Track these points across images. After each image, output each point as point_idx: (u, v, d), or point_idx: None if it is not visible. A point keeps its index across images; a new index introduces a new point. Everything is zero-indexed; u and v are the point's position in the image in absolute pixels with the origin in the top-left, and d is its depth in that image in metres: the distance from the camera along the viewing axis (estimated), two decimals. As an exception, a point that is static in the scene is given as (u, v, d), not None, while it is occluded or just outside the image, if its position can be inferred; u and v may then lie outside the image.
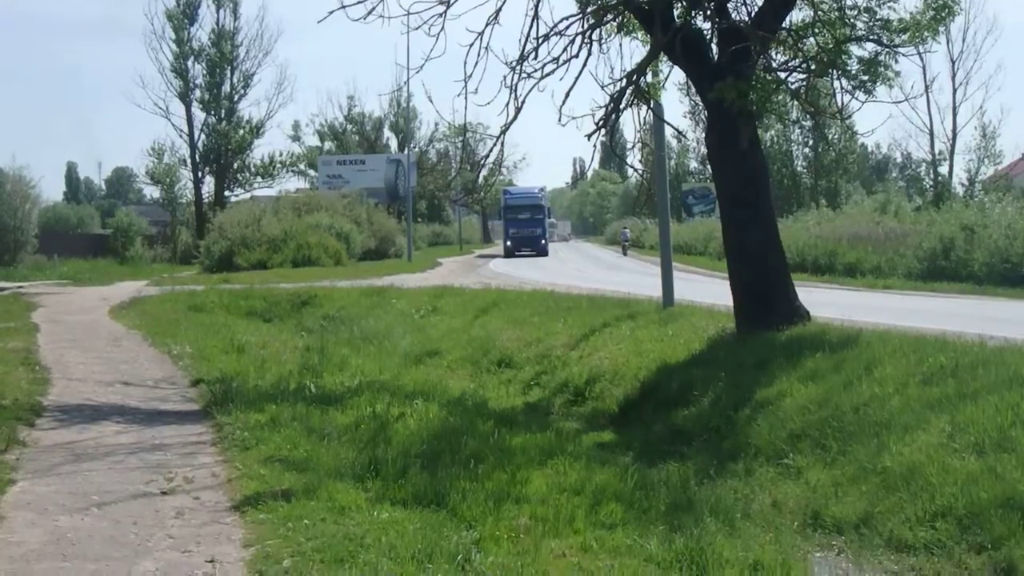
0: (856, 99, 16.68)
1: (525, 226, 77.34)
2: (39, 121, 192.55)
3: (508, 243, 78.32)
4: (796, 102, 18.06)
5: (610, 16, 17.44)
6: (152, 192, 77.57)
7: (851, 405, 12.31)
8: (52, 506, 8.69)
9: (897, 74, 16.18)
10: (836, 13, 16.21)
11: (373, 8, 16.10)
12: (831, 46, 16.06)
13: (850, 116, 21.02)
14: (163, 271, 52.90)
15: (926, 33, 15.98)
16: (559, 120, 16.53)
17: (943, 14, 15.94)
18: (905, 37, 15.95)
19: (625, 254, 76.55)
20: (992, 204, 40.71)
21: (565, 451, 11.48)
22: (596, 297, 25.50)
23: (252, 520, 8.19)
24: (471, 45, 16.08)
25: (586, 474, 10.36)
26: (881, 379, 12.79)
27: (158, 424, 12.53)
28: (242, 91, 70.37)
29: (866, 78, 15.98)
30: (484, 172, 27.69)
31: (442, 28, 16.12)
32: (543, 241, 79.34)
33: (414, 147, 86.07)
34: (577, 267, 56.81)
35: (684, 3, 16.77)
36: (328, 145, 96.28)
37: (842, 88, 16.76)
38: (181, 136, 69.47)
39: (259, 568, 7.02)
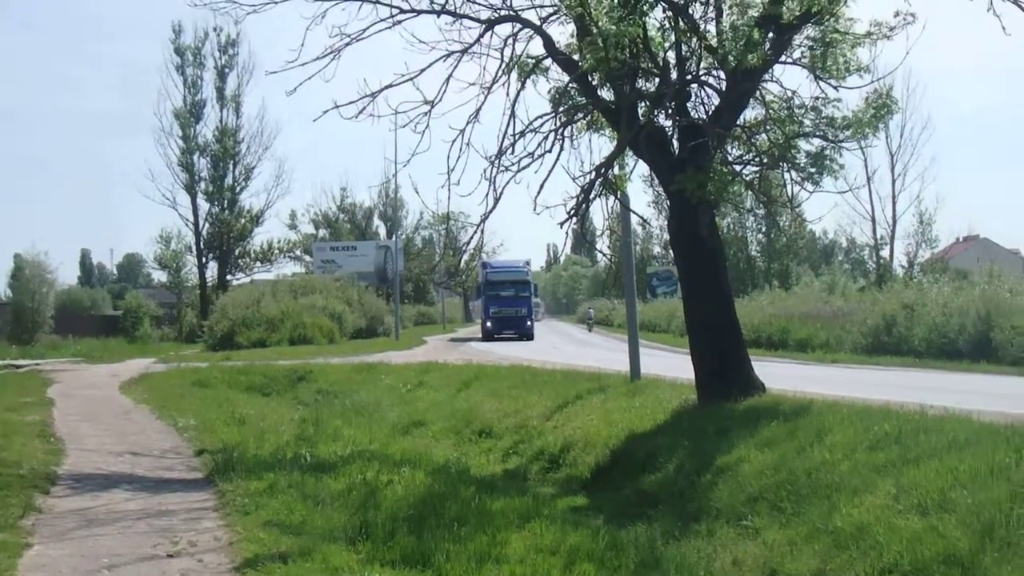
0: (805, 189, 16.86)
1: (508, 304, 63.62)
2: (57, 210, 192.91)
3: (488, 324, 63.83)
4: (750, 192, 18.17)
5: (580, 115, 17.62)
6: (160, 276, 77.30)
7: (804, 469, 12.29)
8: (66, 568, 8.60)
9: (841, 167, 16.37)
10: (786, 111, 16.40)
11: (364, 108, 16.19)
12: (781, 141, 16.21)
13: (799, 205, 21.30)
14: (169, 349, 52.65)
15: (867, 129, 16.13)
16: (534, 209, 16.57)
17: (882, 112, 16.13)
18: (848, 133, 16.10)
19: (590, 331, 76.88)
20: (930, 284, 41.05)
21: (541, 514, 11.42)
22: (569, 371, 25.52)
23: (252, 581, 8.11)
24: (454, 141, 16.17)
25: (561, 536, 10.29)
26: (831, 445, 12.79)
27: (164, 491, 12.42)
28: (243, 183, 70.61)
29: (813, 170, 16.11)
30: (466, 257, 27.61)
31: (427, 126, 16.19)
32: (528, 323, 64.53)
33: (401, 234, 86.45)
34: (551, 343, 56.75)
35: (647, 103, 16.92)
36: (322, 232, 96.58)
37: (792, 179, 16.94)
38: (187, 224, 69.61)
39: (258, 626, 6.94)
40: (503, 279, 64.72)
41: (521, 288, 64.57)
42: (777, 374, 20.56)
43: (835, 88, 16.04)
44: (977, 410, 14.07)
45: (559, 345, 55.35)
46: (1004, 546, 8.91)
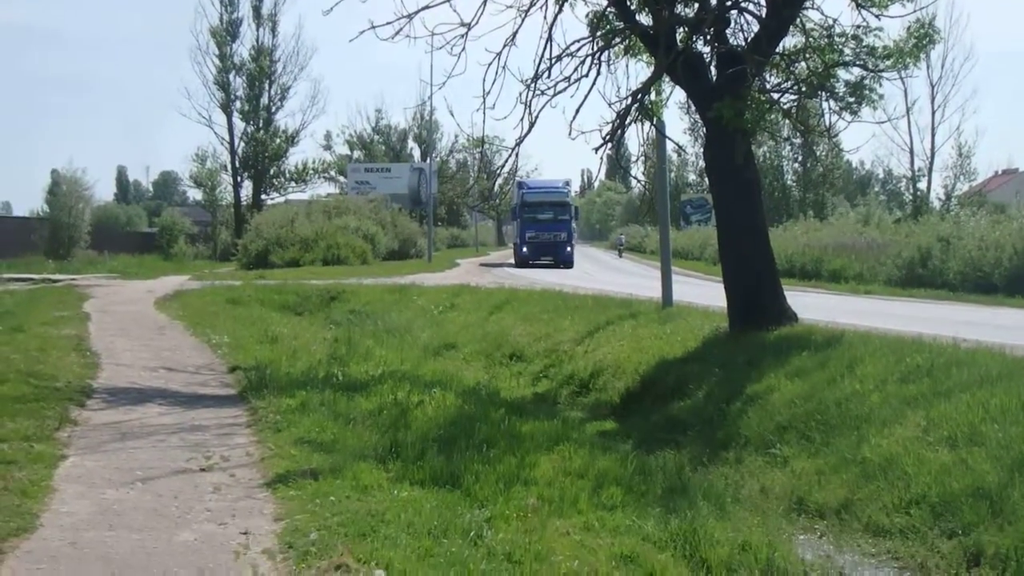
0: (843, 119, 16.66)
1: (547, 228, 56.80)
2: (93, 128, 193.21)
3: (524, 249, 57.69)
4: (787, 121, 18.07)
5: (618, 39, 17.45)
6: (195, 194, 77.90)
7: (834, 400, 12.29)
8: (100, 480, 8.71)
9: (881, 97, 16.16)
10: (825, 40, 16.18)
11: (400, 29, 16.12)
12: (820, 70, 16.04)
13: (837, 135, 21.12)
14: (204, 267, 52.98)
15: (908, 59, 15.94)
16: (569, 134, 16.55)
17: (924, 42, 15.91)
18: (889, 63, 15.91)
19: (620, 256, 76.60)
20: (967, 218, 40.59)
21: (570, 438, 11.49)
22: (601, 297, 25.51)
23: (282, 496, 8.20)
24: (490, 64, 16.13)
25: (589, 460, 10.36)
26: (862, 377, 12.78)
27: (198, 407, 12.55)
28: (279, 103, 70.75)
29: (852, 100, 15.96)
30: (500, 181, 27.57)
31: (463, 48, 16.14)
32: (568, 248, 58.25)
33: (436, 157, 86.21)
34: (584, 269, 56.56)
35: (686, 28, 16.76)
36: (357, 154, 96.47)
37: (830, 109, 16.80)
38: (223, 143, 69.92)
39: (288, 540, 7.03)
40: (541, 200, 57.65)
41: (560, 211, 57.71)
42: (810, 304, 20.50)
43: (877, 17, 15.81)
44: (1010, 344, 14.00)
45: (592, 272, 55.26)
46: (1033, 480, 8.92)
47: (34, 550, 6.80)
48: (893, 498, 9.66)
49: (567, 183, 63.79)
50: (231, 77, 68.53)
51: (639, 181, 26.16)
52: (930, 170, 68.00)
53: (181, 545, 7.06)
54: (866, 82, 15.94)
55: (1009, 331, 16.97)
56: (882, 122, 23.28)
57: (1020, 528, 8.30)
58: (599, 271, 56.80)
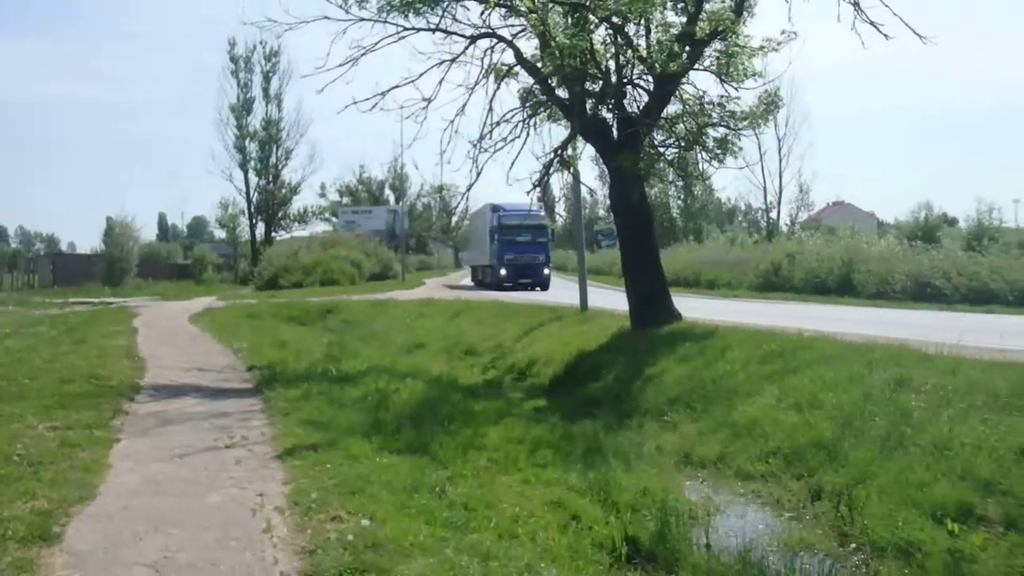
0: (712, 166, 16.88)
1: (525, 251, 44.13)
2: (141, 181, 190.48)
3: (503, 271, 44.53)
4: (671, 168, 18.19)
5: (542, 109, 17.55)
6: (220, 233, 77.21)
7: (711, 378, 12.40)
8: (146, 457, 8.57)
9: (740, 149, 16.37)
10: (698, 106, 16.38)
11: (376, 104, 16.27)
12: (695, 129, 16.23)
13: (709, 178, 21.21)
14: (228, 290, 52.36)
15: (760, 120, 16.16)
16: (507, 181, 16.66)
17: (772, 108, 16.16)
18: (746, 123, 16.12)
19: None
20: (807, 239, 41.12)
21: (512, 413, 11.53)
22: (534, 305, 25.56)
23: (290, 465, 8.10)
24: (445, 129, 16.33)
25: (527, 429, 10.36)
26: (731, 360, 12.91)
27: (223, 398, 12.40)
28: (284, 162, 70.10)
29: (719, 151, 16.16)
30: (455, 218, 27.38)
31: (425, 117, 16.34)
32: (546, 271, 45.08)
33: (406, 201, 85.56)
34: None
35: (593, 100, 16.85)
36: (345, 199, 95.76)
37: (703, 158, 16.90)
38: (240, 194, 69.22)
39: (294, 499, 6.95)
40: (519, 223, 43.39)
41: (538, 233, 44.77)
42: (691, 306, 20.67)
43: (736, 88, 16.07)
44: (840, 332, 14.20)
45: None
46: (859, 434, 9.04)
47: (94, 513, 6.68)
48: (756, 451, 9.76)
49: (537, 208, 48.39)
50: (246, 143, 68.04)
51: (561, 216, 26.04)
52: (779, 203, 68.94)
53: (211, 505, 6.96)
54: (729, 138, 16.14)
55: (840, 323, 17.20)
56: (742, 167, 23.61)
57: (850, 470, 8.42)
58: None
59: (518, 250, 44.22)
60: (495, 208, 45.20)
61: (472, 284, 53.29)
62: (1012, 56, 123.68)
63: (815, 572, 6.66)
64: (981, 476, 7.45)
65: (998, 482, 7.32)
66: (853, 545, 7.35)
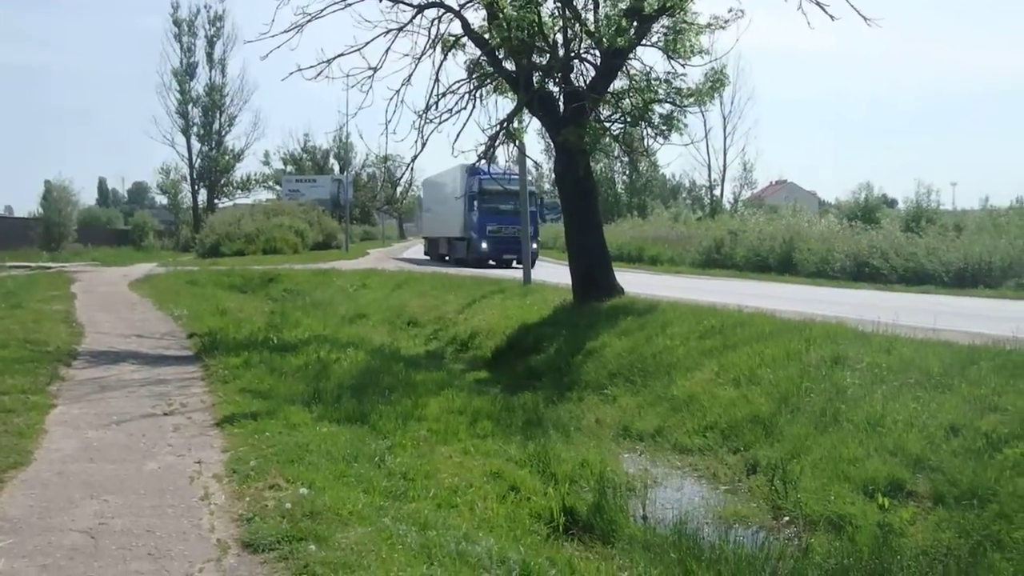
0: (657, 142, 16.97)
1: (511, 221, 33.46)
2: (79, 146, 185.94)
3: (484, 245, 37.34)
4: (617, 143, 18.22)
5: (489, 81, 17.42)
6: (161, 199, 76.03)
7: (651, 353, 12.52)
8: (83, 423, 8.45)
9: (686, 126, 16.51)
10: (645, 83, 16.39)
11: (321, 72, 16.03)
12: (641, 105, 16.25)
13: (654, 154, 21.33)
14: (169, 257, 51.52)
15: (706, 98, 16.26)
16: (452, 153, 16.54)
17: (717, 85, 16.23)
18: (691, 100, 16.21)
19: None
20: (749, 216, 41.55)
21: (453, 385, 11.51)
22: (477, 277, 25.51)
23: (229, 433, 8.03)
24: (391, 99, 16.09)
25: (467, 400, 10.37)
26: (672, 335, 13.04)
27: (162, 365, 12.24)
28: (227, 128, 69.07)
29: (665, 128, 16.23)
30: (400, 189, 27.23)
31: (371, 87, 16.04)
32: (534, 245, 31.84)
33: (351, 171, 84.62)
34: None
35: (540, 73, 16.80)
36: (289, 168, 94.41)
37: (648, 134, 16.95)
38: (183, 160, 68.26)
39: (233, 467, 6.89)
40: (503, 189, 29.09)
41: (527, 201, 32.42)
42: (634, 281, 20.81)
43: (682, 65, 16.12)
44: (779, 310, 14.41)
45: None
46: (794, 410, 9.21)
47: (28, 479, 6.57)
48: (693, 425, 9.89)
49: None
50: (189, 108, 66.92)
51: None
52: (723, 180, 69.88)
53: (148, 472, 6.87)
54: (675, 115, 16.24)
55: (779, 300, 17.44)
56: (687, 144, 23.74)
57: (785, 444, 8.58)
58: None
59: (503, 220, 35.74)
60: (473, 171, 32.26)
61: (426, 258, 47.48)
62: (953, 46, 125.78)
63: (749, 544, 6.78)
64: (912, 452, 7.64)
65: (928, 458, 7.52)
66: (786, 518, 7.51)
